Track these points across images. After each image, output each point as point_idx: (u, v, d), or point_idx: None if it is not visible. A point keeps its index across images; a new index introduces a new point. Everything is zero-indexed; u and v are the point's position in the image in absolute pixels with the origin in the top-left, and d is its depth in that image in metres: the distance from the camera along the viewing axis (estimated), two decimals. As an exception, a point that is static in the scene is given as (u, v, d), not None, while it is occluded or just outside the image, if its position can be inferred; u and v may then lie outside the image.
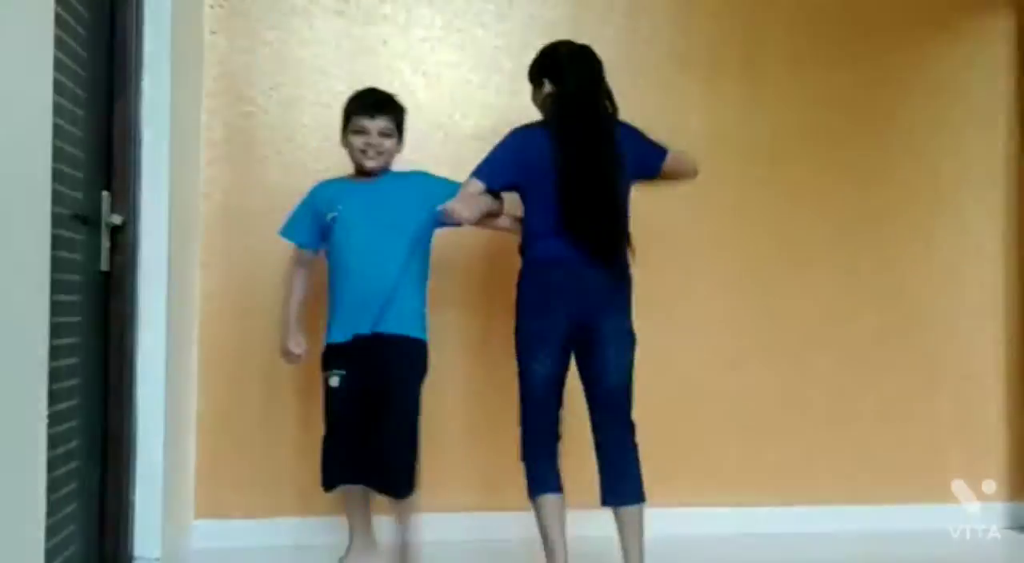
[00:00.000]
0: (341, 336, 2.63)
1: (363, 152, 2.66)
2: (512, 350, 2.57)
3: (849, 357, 3.51)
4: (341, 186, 2.73)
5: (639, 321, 3.58)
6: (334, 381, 2.62)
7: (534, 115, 3.02)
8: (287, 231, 2.76)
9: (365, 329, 2.60)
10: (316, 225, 2.70)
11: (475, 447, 3.23)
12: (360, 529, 2.74)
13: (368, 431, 2.59)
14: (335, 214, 2.65)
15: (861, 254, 3.53)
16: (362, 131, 2.65)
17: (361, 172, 2.70)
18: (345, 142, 2.72)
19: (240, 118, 3.16)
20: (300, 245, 2.74)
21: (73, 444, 2.07)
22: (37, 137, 1.63)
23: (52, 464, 1.80)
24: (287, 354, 2.73)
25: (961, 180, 3.61)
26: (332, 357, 2.65)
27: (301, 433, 3.08)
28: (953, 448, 3.55)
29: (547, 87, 2.66)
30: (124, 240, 2.39)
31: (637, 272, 3.66)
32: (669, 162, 2.71)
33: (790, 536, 3.34)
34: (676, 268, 3.41)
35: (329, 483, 2.66)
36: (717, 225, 3.44)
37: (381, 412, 2.58)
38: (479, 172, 2.57)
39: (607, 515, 2.54)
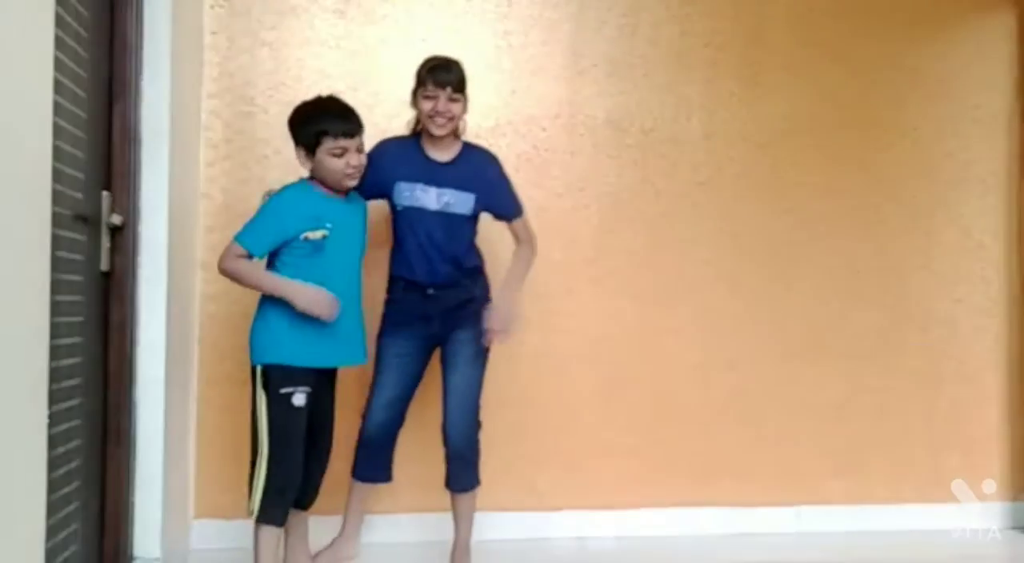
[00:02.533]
0: (313, 361, 2.47)
1: (348, 175, 2.47)
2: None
3: (849, 357, 3.51)
4: (323, 200, 2.49)
5: (641, 320, 3.57)
6: (299, 399, 2.42)
7: (532, 114, 3.00)
8: (253, 242, 2.46)
9: (336, 362, 2.55)
10: (280, 238, 2.45)
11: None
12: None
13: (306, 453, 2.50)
14: (325, 232, 2.44)
15: (861, 254, 3.53)
16: (344, 151, 2.45)
17: (333, 187, 2.51)
18: (312, 160, 2.48)
19: (240, 118, 3.16)
20: (256, 257, 2.46)
21: (73, 444, 2.07)
22: (37, 137, 1.63)
23: (52, 464, 1.80)
24: (331, 306, 2.42)
25: (961, 180, 3.61)
26: (291, 376, 2.43)
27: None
28: (952, 448, 3.55)
29: None
30: (124, 240, 2.39)
31: (637, 272, 3.65)
32: None
33: (790, 536, 3.34)
34: (675, 267, 3.41)
35: (283, 515, 2.47)
36: (716, 224, 3.44)
37: (318, 432, 2.53)
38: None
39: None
